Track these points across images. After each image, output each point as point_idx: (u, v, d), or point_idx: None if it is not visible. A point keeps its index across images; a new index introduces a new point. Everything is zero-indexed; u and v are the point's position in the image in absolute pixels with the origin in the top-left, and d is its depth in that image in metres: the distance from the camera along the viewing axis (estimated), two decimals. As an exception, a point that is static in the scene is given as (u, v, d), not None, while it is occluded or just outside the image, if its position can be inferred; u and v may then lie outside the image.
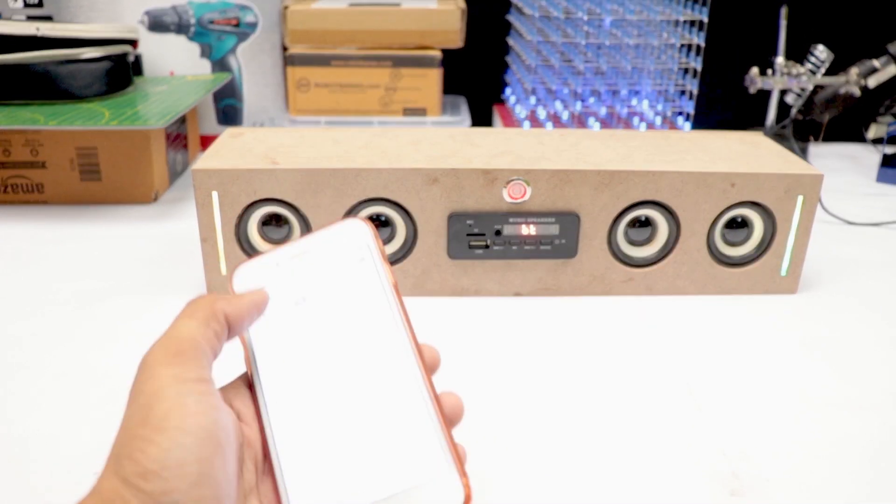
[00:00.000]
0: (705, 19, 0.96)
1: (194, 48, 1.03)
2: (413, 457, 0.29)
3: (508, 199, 0.62)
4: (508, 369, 0.55)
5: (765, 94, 1.10)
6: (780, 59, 1.01)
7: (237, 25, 1.03)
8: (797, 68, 1.00)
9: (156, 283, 0.67)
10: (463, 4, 1.04)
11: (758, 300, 0.66)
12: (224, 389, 0.32)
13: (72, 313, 0.62)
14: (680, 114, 1.03)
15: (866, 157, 1.11)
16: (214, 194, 0.61)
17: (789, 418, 0.50)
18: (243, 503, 0.29)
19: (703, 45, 0.97)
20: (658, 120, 1.03)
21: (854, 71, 0.98)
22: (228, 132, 0.70)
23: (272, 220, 0.63)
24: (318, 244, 0.35)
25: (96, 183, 0.85)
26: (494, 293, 0.66)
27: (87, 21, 1.00)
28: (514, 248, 0.64)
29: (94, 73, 0.86)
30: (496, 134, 0.72)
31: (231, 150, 0.65)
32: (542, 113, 1.02)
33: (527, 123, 1.02)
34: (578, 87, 1.01)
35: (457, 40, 1.03)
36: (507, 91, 1.16)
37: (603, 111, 1.03)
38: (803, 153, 1.01)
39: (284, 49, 1.06)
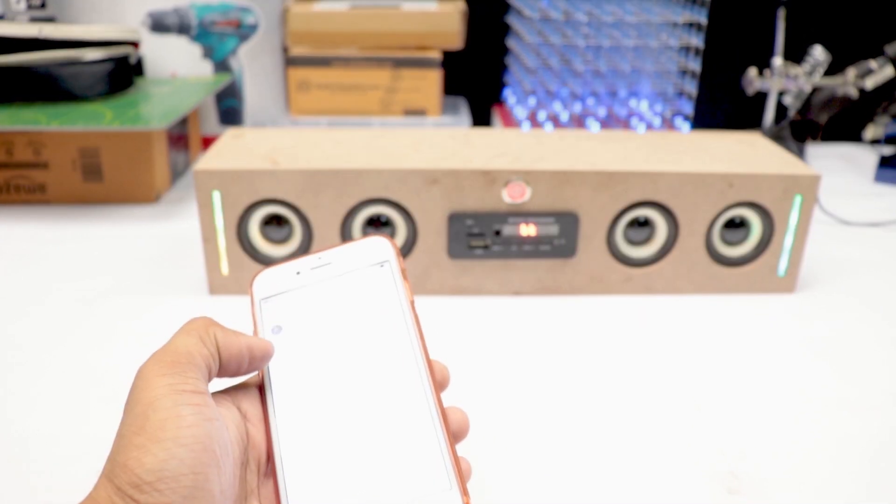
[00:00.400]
0: (704, 21, 0.96)
1: (196, 49, 1.04)
2: (416, 471, 0.29)
3: (508, 200, 0.63)
4: (508, 368, 0.56)
5: (763, 96, 1.10)
6: (777, 61, 1.02)
7: (238, 27, 1.04)
8: (795, 69, 1.01)
9: (157, 283, 0.67)
10: (463, 6, 1.05)
11: (756, 300, 0.67)
12: (233, 389, 0.33)
13: (73, 313, 0.62)
14: (679, 115, 1.03)
15: (864, 157, 1.11)
16: (216, 194, 0.61)
17: (788, 418, 0.50)
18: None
19: (701, 46, 0.97)
20: (657, 121, 1.03)
21: (851, 72, 0.98)
22: (230, 133, 0.71)
23: (273, 221, 0.63)
24: (340, 257, 0.36)
25: (98, 183, 0.85)
26: (494, 293, 0.66)
27: (89, 22, 1.00)
28: (514, 248, 0.64)
29: (97, 74, 0.86)
30: (496, 135, 0.72)
31: (232, 150, 0.65)
32: (541, 114, 1.03)
33: (526, 124, 1.02)
34: (578, 88, 1.01)
35: (457, 42, 1.04)
36: (507, 92, 1.16)
37: (602, 112, 1.03)
38: (801, 154, 1.02)
39: (285, 50, 1.06)
